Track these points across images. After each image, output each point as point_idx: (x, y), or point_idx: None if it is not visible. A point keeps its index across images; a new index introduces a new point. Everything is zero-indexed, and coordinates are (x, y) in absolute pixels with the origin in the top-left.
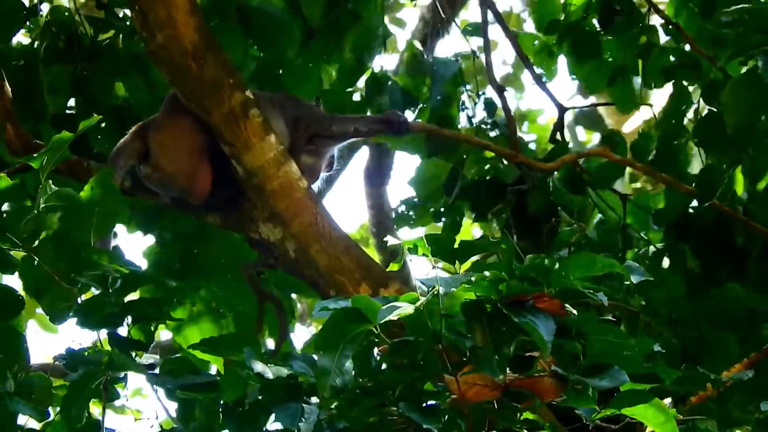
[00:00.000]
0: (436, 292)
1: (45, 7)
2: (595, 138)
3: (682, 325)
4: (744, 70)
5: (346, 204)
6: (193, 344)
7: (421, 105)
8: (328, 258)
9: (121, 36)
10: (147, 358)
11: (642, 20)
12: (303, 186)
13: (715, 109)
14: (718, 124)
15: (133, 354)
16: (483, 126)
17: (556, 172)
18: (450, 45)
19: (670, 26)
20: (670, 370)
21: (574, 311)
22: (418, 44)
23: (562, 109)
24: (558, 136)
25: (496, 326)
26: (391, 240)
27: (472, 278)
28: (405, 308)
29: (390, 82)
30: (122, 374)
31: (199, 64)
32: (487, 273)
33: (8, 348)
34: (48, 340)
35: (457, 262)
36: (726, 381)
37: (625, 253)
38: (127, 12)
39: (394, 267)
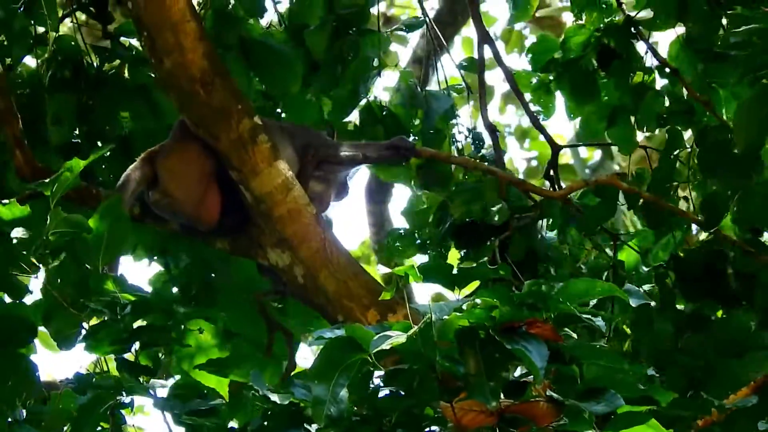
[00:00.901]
0: (429, 320)
1: (50, 36)
2: (596, 155)
3: (688, 353)
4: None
5: (347, 221)
6: (199, 364)
7: (413, 138)
8: (337, 283)
9: (126, 66)
10: (154, 383)
11: (639, 62)
12: (311, 212)
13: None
14: (722, 149)
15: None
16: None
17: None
18: (455, 61)
19: (667, 69)
20: (666, 392)
21: (574, 335)
22: (413, 76)
23: (556, 148)
24: (552, 173)
25: (488, 353)
26: (382, 269)
27: (464, 305)
28: (397, 337)
29: (384, 112)
30: (129, 398)
31: (208, 90)
32: (478, 300)
33: (20, 375)
34: (51, 359)
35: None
36: (730, 407)
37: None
38: (133, 42)
39: (386, 296)
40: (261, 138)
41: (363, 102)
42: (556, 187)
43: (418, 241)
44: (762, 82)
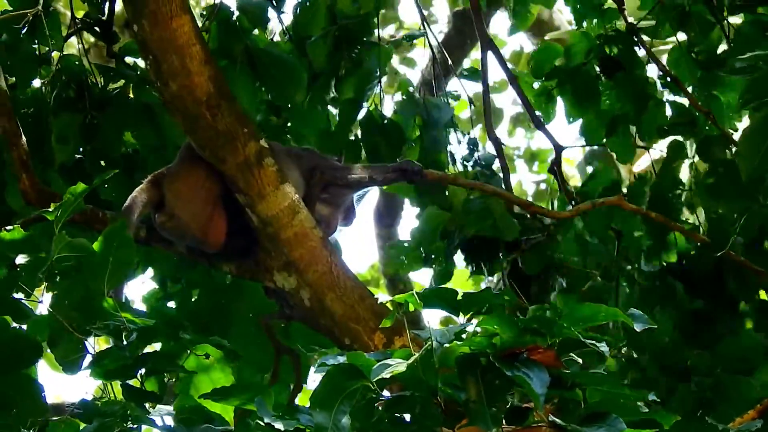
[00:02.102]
0: (429, 347)
1: (55, 56)
2: None
3: (698, 371)
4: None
5: (356, 244)
6: (204, 394)
7: (411, 144)
8: (343, 307)
9: (131, 85)
10: (160, 409)
11: (642, 70)
12: (317, 235)
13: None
14: (728, 173)
15: (147, 405)
16: (465, 163)
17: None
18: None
19: (669, 79)
20: (669, 415)
21: (579, 360)
22: (411, 85)
23: (559, 149)
24: (555, 170)
25: (489, 379)
26: (382, 297)
27: (465, 332)
28: (398, 365)
29: (386, 121)
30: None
31: (214, 113)
32: (478, 329)
33: (26, 397)
34: (58, 380)
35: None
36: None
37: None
38: (138, 61)
39: (386, 323)
40: (267, 161)
41: (364, 112)
42: (561, 184)
43: (423, 255)
44: (766, 109)
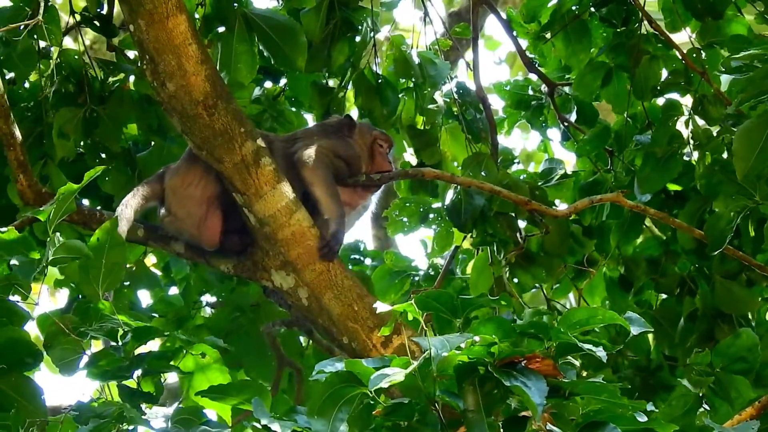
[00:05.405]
0: (428, 356)
1: (54, 51)
2: None
3: (697, 370)
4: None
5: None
6: (200, 391)
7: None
8: (341, 306)
9: (132, 78)
10: (157, 409)
11: (635, 13)
12: (315, 234)
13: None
14: (724, 171)
15: (143, 406)
16: (454, 103)
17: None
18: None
19: (663, 37)
20: (667, 425)
21: (576, 362)
22: (404, 41)
23: (551, 85)
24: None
25: (488, 389)
26: (380, 307)
27: (463, 342)
28: (396, 375)
29: (380, 80)
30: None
31: (211, 113)
32: (477, 338)
33: (26, 399)
34: (56, 382)
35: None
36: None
37: None
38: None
39: (385, 332)
40: (264, 160)
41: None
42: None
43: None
44: (761, 107)
